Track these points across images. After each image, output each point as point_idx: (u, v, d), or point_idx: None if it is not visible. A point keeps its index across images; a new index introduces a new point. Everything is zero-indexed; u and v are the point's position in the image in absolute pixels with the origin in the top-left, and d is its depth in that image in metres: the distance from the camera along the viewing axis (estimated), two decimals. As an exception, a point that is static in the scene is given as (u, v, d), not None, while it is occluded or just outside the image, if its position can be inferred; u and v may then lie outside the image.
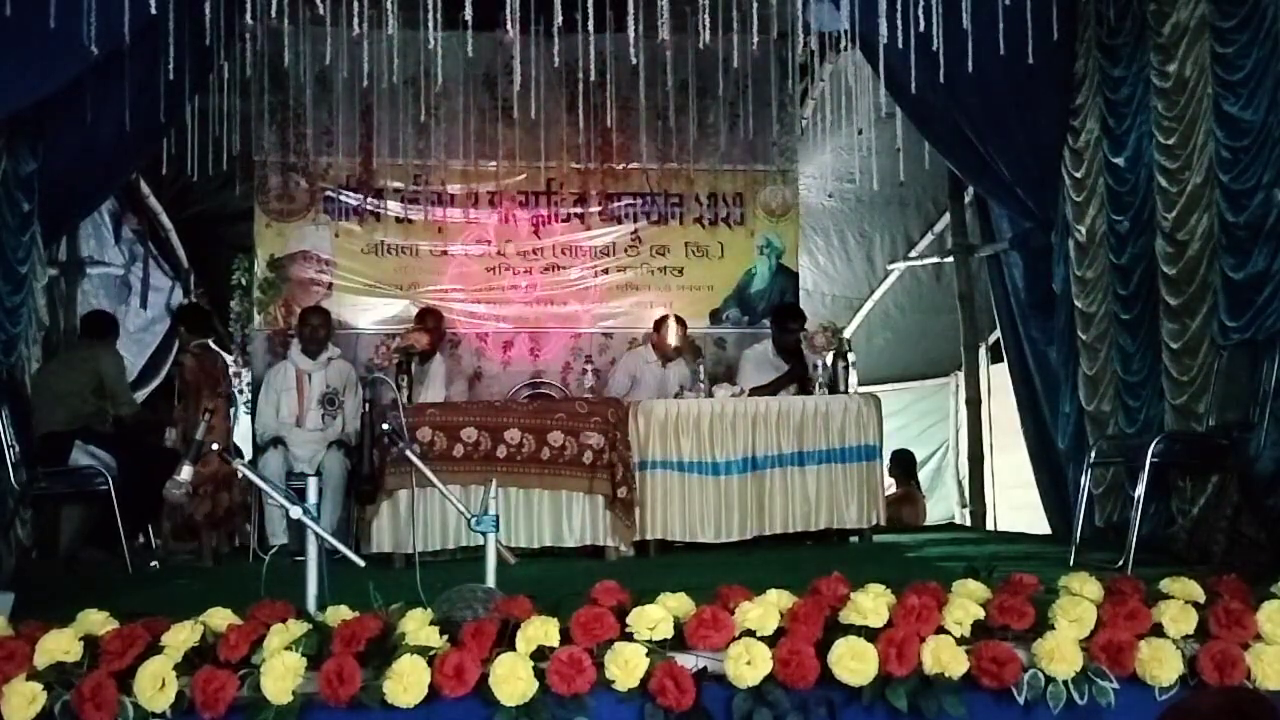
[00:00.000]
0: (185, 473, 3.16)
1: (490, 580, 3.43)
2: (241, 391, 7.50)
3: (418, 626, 2.83)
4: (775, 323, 6.84)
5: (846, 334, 6.39)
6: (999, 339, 7.62)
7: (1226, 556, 4.51)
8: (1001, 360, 7.65)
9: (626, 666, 2.75)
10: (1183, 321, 5.36)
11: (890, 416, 7.06)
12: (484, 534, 3.51)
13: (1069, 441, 6.40)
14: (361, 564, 3.21)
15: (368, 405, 4.81)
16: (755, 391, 6.28)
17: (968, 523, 8.39)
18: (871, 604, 2.87)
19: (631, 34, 4.43)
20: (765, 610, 2.87)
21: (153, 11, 4.15)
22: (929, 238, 9.06)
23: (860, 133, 6.91)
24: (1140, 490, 4.57)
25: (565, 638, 2.81)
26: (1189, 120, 5.29)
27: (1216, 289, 5.11)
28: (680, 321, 6.88)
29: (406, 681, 2.69)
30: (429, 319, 6.75)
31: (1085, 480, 5.26)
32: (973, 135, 6.32)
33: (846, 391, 6.06)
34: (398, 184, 7.50)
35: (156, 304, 8.72)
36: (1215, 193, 5.10)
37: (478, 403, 6.15)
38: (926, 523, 8.81)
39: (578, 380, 7.03)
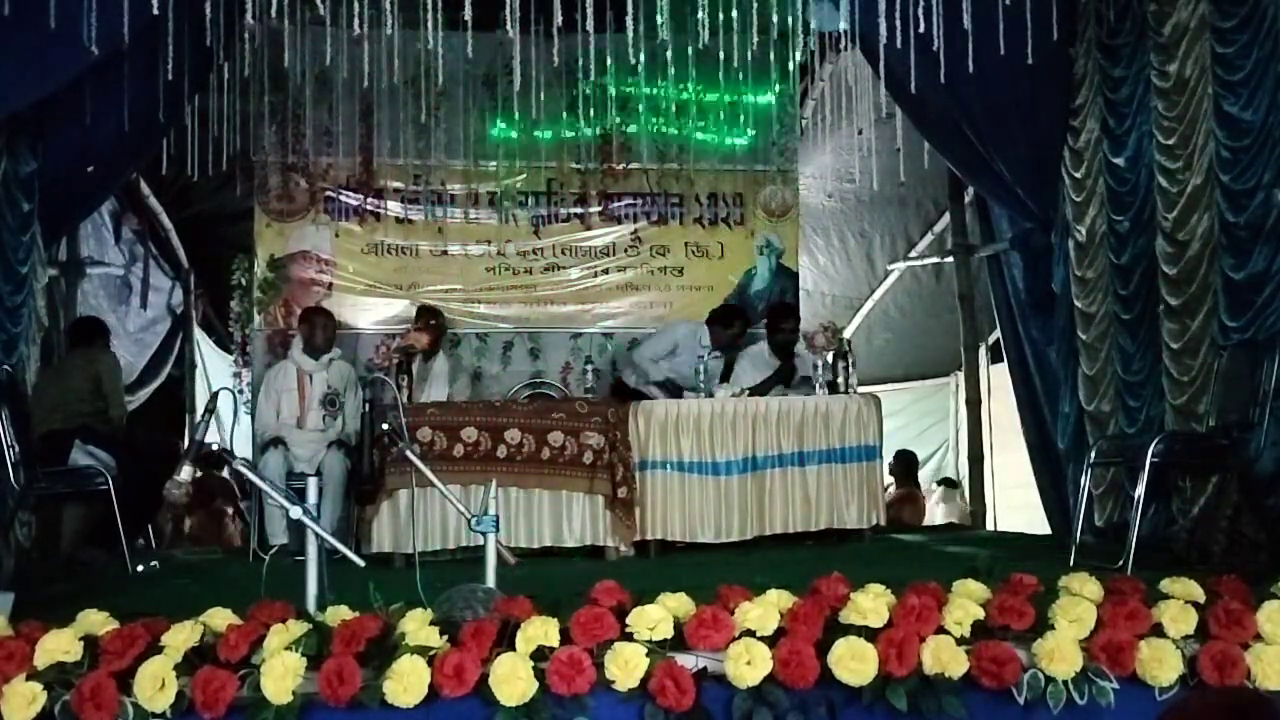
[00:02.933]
0: (185, 473, 3.16)
1: (490, 580, 3.43)
2: (241, 391, 7.50)
3: (418, 626, 2.83)
4: (769, 322, 6.84)
5: (846, 334, 6.38)
6: (999, 339, 7.62)
7: (1226, 556, 4.51)
8: (1001, 360, 7.65)
9: (626, 666, 2.75)
10: (1183, 321, 5.36)
11: (890, 416, 7.06)
12: (484, 534, 3.51)
13: (1069, 441, 6.39)
14: (361, 564, 3.21)
15: (368, 405, 4.82)
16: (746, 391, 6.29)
17: (968, 523, 8.39)
18: (871, 604, 2.87)
19: (631, 34, 4.43)
20: (765, 610, 2.87)
21: (154, 11, 4.15)
22: (929, 238, 9.07)
23: (860, 133, 6.91)
24: (1140, 490, 4.57)
25: (565, 638, 2.81)
26: (1189, 120, 5.29)
27: (1217, 289, 5.11)
28: (745, 319, 6.86)
29: (406, 681, 2.69)
30: (429, 318, 6.74)
31: (1085, 480, 5.26)
32: (973, 135, 6.32)
33: (847, 391, 6.06)
34: (398, 184, 7.50)
35: (156, 304, 8.73)
36: (1215, 193, 5.10)
37: (478, 403, 6.14)
38: (925, 522, 8.81)
39: (578, 380, 7.03)
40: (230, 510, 8.29)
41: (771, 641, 2.81)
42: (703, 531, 5.70)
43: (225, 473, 8.31)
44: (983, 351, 8.47)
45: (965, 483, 8.63)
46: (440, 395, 6.33)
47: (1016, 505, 8.18)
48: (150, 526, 6.44)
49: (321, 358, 6.28)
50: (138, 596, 4.38)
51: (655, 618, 2.85)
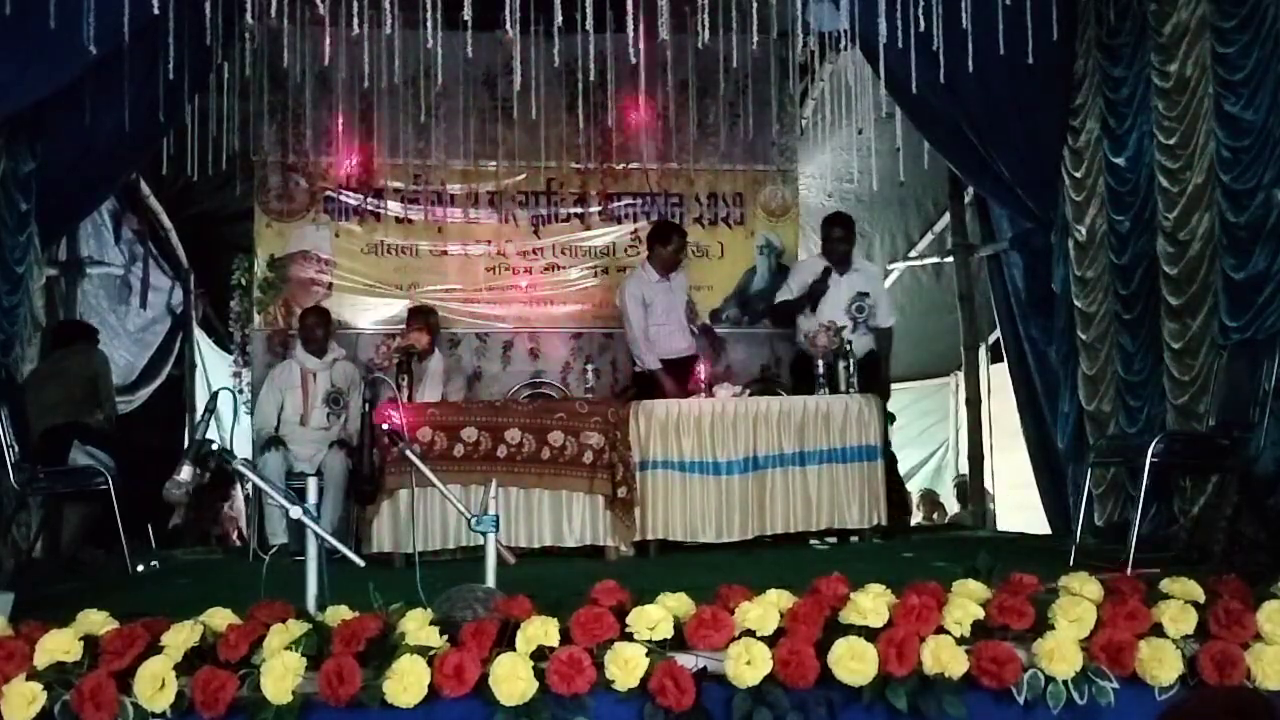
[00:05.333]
0: (185, 473, 3.16)
1: (490, 580, 3.43)
2: (241, 391, 7.50)
3: (418, 626, 2.83)
4: (821, 232, 6.63)
5: (847, 334, 6.38)
6: (999, 339, 7.62)
7: (1226, 556, 4.51)
8: (1001, 360, 7.65)
9: (626, 666, 2.75)
10: (1184, 321, 5.36)
11: (891, 416, 7.05)
12: (484, 534, 3.51)
13: (1069, 441, 6.39)
14: (361, 564, 3.21)
15: (367, 405, 4.81)
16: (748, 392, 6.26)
17: (968, 523, 8.39)
18: (871, 604, 2.86)
19: (631, 34, 4.43)
20: (765, 610, 2.87)
21: (154, 11, 4.15)
22: (929, 238, 9.07)
23: (860, 133, 6.91)
24: (1140, 490, 4.57)
25: (565, 638, 2.81)
26: (1190, 120, 5.29)
27: (1217, 289, 5.11)
28: (681, 231, 6.75)
29: (406, 681, 2.69)
30: (425, 317, 6.73)
31: (1085, 480, 5.26)
32: (973, 135, 6.32)
33: (847, 391, 6.06)
34: (398, 184, 7.50)
35: (156, 304, 8.72)
36: (1216, 192, 5.10)
37: (478, 403, 6.14)
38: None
39: (578, 380, 7.03)
40: (225, 505, 8.29)
41: (771, 641, 2.81)
42: (703, 531, 5.69)
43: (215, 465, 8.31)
44: (983, 351, 8.47)
45: (966, 483, 8.63)
46: (435, 395, 6.33)
47: (1016, 505, 8.17)
48: (150, 526, 6.44)
49: (325, 357, 6.29)
50: (138, 596, 4.38)
51: (655, 618, 2.84)
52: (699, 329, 6.87)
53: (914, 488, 9.64)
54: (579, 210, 7.67)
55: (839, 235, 6.47)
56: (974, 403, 8.25)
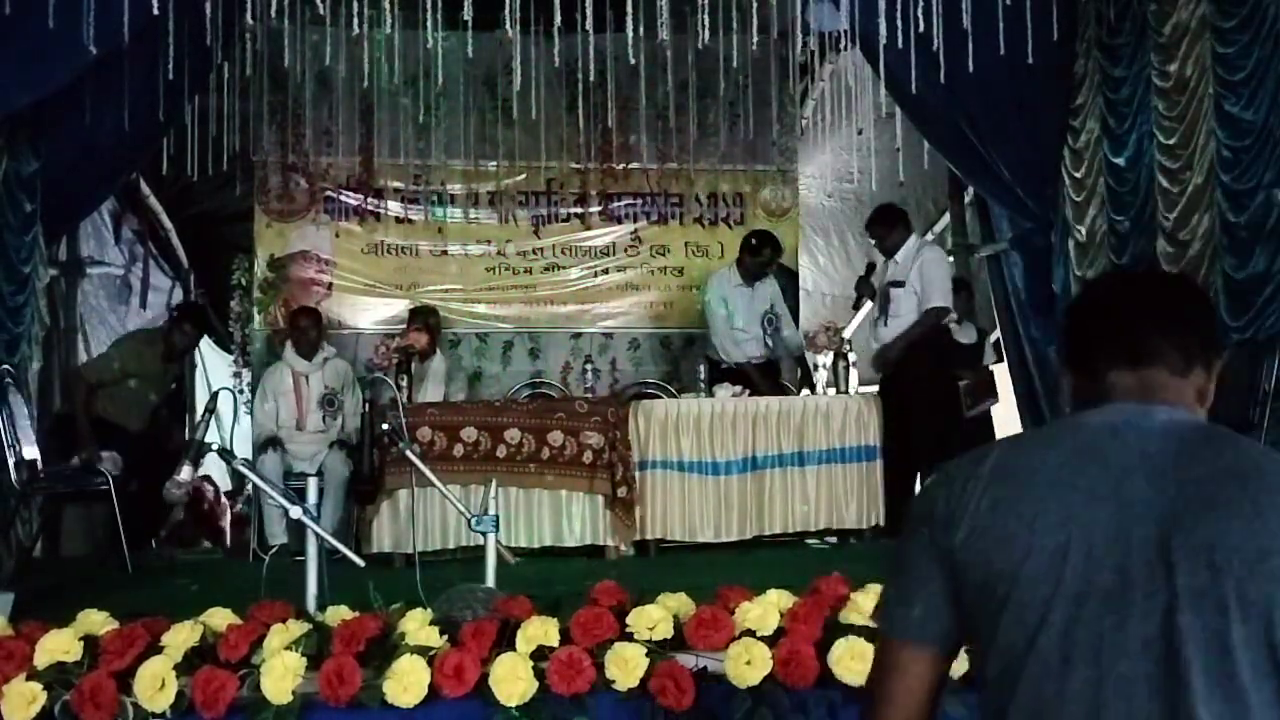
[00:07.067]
0: (185, 473, 3.16)
1: (490, 580, 3.43)
2: (242, 391, 7.50)
3: (418, 626, 2.84)
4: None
5: (846, 334, 6.38)
6: (999, 339, 7.62)
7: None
8: (1001, 360, 7.65)
9: (626, 666, 2.75)
10: (1183, 322, 5.35)
11: (890, 416, 7.03)
12: (484, 534, 3.51)
13: (1069, 441, 6.38)
14: (361, 564, 3.21)
15: (367, 405, 4.80)
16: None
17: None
18: (871, 604, 2.86)
19: (631, 34, 4.43)
20: (765, 610, 2.87)
21: (154, 12, 4.16)
22: (929, 238, 9.06)
23: (860, 133, 6.91)
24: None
25: (565, 638, 2.81)
26: (1190, 120, 5.30)
27: (1217, 289, 5.11)
28: (775, 245, 6.71)
29: (406, 681, 2.69)
30: (425, 317, 6.72)
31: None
32: (973, 135, 6.32)
33: (847, 391, 6.06)
34: (398, 184, 7.49)
35: (156, 304, 8.72)
36: (1216, 193, 5.11)
37: (478, 403, 6.14)
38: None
39: (578, 380, 7.02)
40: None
41: (771, 641, 2.81)
42: (703, 531, 5.69)
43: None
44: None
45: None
46: (436, 395, 6.33)
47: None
48: (149, 526, 6.44)
49: (316, 358, 6.26)
50: (138, 596, 4.38)
51: (655, 618, 2.85)
52: (794, 359, 6.87)
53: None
54: (579, 210, 7.66)
55: (878, 233, 6.40)
56: (974, 403, 8.24)
